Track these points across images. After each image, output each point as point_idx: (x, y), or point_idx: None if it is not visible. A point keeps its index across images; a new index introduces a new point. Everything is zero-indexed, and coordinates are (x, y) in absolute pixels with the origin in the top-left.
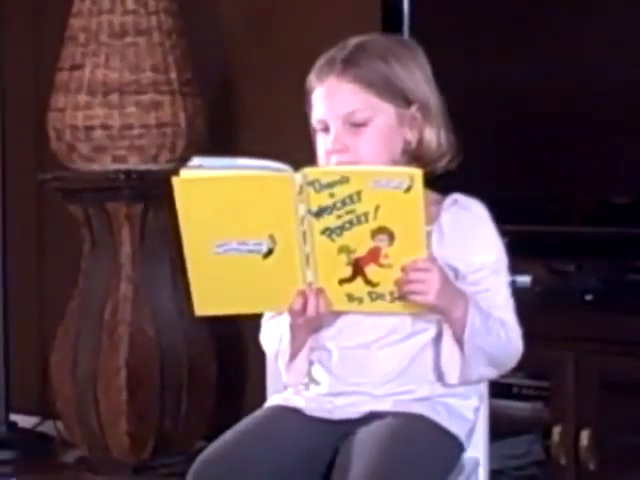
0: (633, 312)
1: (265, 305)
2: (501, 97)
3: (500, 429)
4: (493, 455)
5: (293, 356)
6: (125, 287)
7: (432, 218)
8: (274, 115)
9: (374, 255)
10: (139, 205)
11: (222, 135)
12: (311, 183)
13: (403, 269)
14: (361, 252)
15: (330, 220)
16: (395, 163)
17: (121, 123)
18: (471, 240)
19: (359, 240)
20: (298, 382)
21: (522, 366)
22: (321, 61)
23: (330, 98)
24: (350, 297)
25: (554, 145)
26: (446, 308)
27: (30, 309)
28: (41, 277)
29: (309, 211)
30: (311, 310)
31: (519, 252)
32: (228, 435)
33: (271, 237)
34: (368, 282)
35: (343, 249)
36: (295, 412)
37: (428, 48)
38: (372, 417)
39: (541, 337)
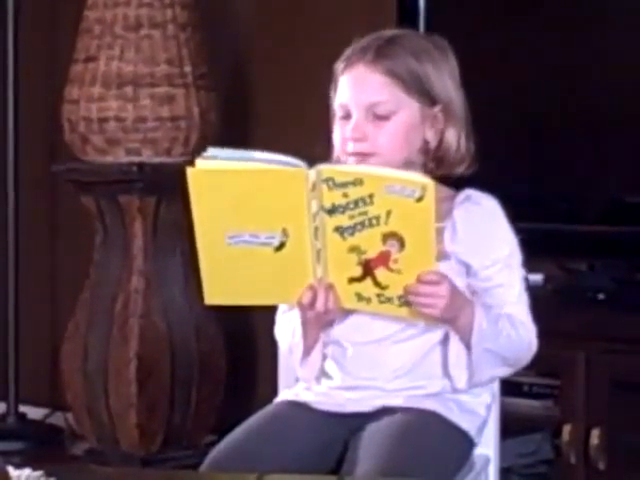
0: None
1: (275, 297)
2: (517, 95)
3: (510, 427)
4: (503, 453)
5: (306, 351)
6: (136, 280)
7: (445, 214)
8: (288, 109)
9: (384, 258)
10: (152, 198)
11: (235, 129)
12: (325, 180)
13: (417, 279)
14: (371, 254)
15: (342, 219)
16: (412, 161)
17: (135, 116)
18: (483, 236)
19: (370, 242)
20: (311, 377)
21: (533, 364)
22: (354, 47)
23: (357, 85)
24: (359, 296)
25: (568, 144)
26: (452, 319)
27: (41, 301)
28: (53, 269)
29: (322, 207)
30: (320, 305)
31: (532, 250)
32: (240, 430)
33: (284, 231)
34: (377, 284)
35: (354, 249)
36: (305, 407)
37: (444, 33)
38: (383, 412)
39: (552, 335)
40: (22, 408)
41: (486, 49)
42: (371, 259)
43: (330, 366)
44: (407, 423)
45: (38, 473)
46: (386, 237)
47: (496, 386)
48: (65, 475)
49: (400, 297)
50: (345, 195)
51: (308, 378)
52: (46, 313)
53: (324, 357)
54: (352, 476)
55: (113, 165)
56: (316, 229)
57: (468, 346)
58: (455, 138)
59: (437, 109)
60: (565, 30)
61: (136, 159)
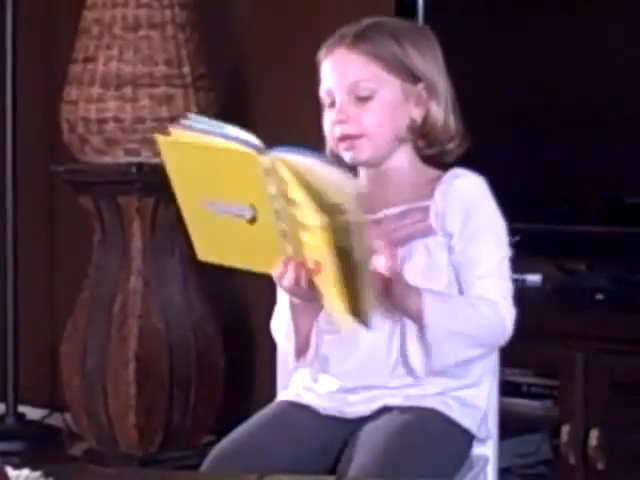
0: None
1: (256, 264)
2: (516, 93)
3: (509, 427)
4: (502, 453)
5: (299, 336)
6: (135, 280)
7: (431, 193)
8: (287, 109)
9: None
10: (150, 199)
11: None
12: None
13: None
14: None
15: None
16: (400, 139)
17: (134, 116)
18: (461, 208)
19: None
20: (305, 365)
21: (532, 364)
22: (333, 36)
23: (337, 68)
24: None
25: (567, 144)
26: (398, 307)
27: (40, 301)
28: (51, 269)
29: (281, 192)
30: (287, 280)
31: (530, 251)
32: (240, 430)
33: (252, 206)
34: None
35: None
36: (306, 408)
37: (442, 35)
38: (382, 411)
39: (551, 336)
40: (21, 408)
41: (485, 47)
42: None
43: (332, 366)
44: (405, 421)
45: (37, 473)
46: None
47: (495, 386)
48: (64, 475)
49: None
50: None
51: (302, 366)
52: (45, 314)
53: (318, 347)
54: (348, 475)
55: (112, 165)
56: (277, 211)
57: (422, 331)
58: (441, 115)
59: (420, 87)
60: (566, 28)
61: (135, 159)
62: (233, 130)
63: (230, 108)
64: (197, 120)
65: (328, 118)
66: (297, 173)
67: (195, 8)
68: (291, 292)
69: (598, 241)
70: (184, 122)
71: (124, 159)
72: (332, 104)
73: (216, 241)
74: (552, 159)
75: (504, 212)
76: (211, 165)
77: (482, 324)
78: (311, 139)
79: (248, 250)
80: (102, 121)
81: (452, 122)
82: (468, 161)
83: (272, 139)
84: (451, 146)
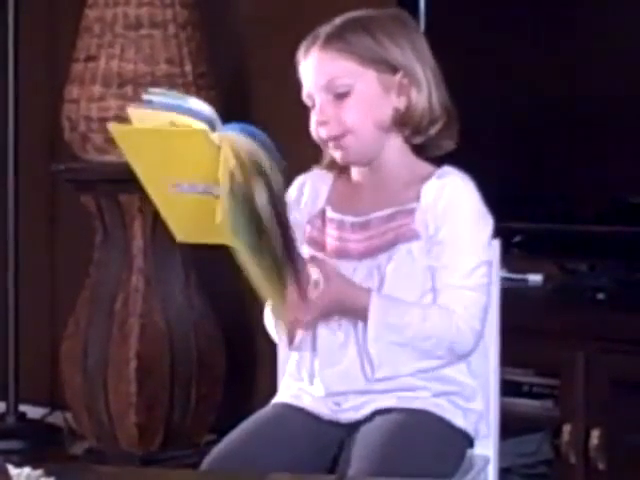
0: None
1: (229, 239)
2: (517, 94)
3: (510, 427)
4: (502, 453)
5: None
6: (136, 279)
7: (417, 195)
8: (288, 108)
9: None
10: None
11: None
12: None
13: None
14: None
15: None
16: (386, 131)
17: None
18: (440, 211)
19: None
20: (300, 347)
21: (533, 364)
22: (307, 37)
23: (312, 69)
24: None
25: (568, 144)
26: (340, 312)
27: (41, 299)
28: (53, 267)
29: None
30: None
31: (531, 250)
32: (238, 432)
33: (216, 183)
34: None
35: None
36: (302, 411)
37: (444, 32)
38: (377, 413)
39: (552, 335)
40: (22, 407)
41: (486, 47)
42: None
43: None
44: (400, 422)
45: (38, 472)
46: None
47: (495, 386)
48: (64, 474)
49: None
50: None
51: (297, 349)
52: (46, 312)
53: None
54: (347, 476)
55: (113, 164)
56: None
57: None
58: (425, 98)
59: (399, 76)
60: (566, 29)
61: None
62: (191, 102)
63: (231, 106)
64: (155, 96)
65: (312, 120)
66: (238, 154)
67: (197, 7)
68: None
69: (599, 241)
70: (144, 97)
71: (125, 158)
72: (314, 106)
73: (190, 221)
74: (554, 158)
75: (505, 212)
76: (167, 148)
77: (438, 336)
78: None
79: (219, 225)
80: (104, 120)
81: (437, 101)
82: (469, 160)
83: (273, 137)
84: (437, 127)
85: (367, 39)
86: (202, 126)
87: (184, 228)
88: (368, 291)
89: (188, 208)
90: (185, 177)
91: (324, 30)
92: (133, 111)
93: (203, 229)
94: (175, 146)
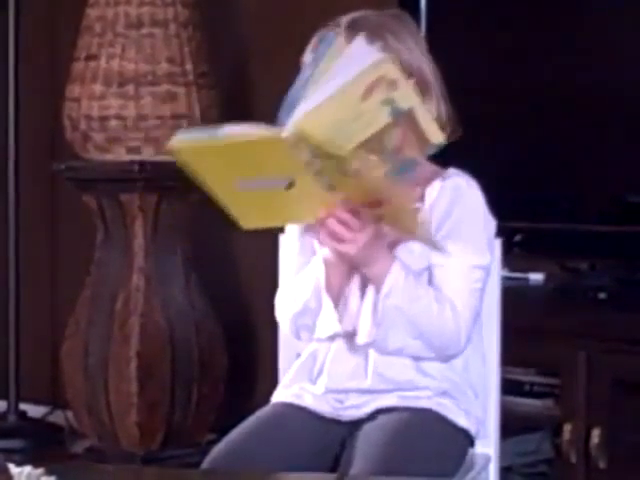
0: None
1: (302, 218)
2: (518, 93)
3: (511, 426)
4: (503, 452)
5: (336, 297)
6: (137, 278)
7: (421, 196)
8: None
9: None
10: (153, 197)
11: None
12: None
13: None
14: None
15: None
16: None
17: (136, 114)
18: (443, 211)
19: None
20: (350, 323)
21: (534, 363)
22: (316, 40)
23: None
24: (376, 217)
25: (569, 143)
26: (364, 265)
27: (42, 298)
28: (54, 266)
29: (314, 153)
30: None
31: (532, 250)
32: (238, 431)
33: (287, 178)
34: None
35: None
36: (303, 410)
37: (444, 32)
38: (378, 413)
39: (553, 334)
40: (22, 406)
41: (487, 46)
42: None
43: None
44: (402, 421)
45: (38, 471)
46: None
47: (496, 385)
48: (66, 473)
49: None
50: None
51: (347, 326)
52: (47, 311)
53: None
54: (349, 475)
55: (114, 163)
56: (318, 172)
57: (379, 295)
58: (434, 107)
59: (413, 81)
60: (566, 28)
61: (137, 157)
62: (230, 129)
63: (232, 106)
64: (190, 133)
65: None
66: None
67: (198, 6)
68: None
69: (601, 240)
70: (180, 137)
71: (126, 157)
72: None
73: (256, 210)
74: (555, 158)
75: (506, 211)
76: (237, 159)
77: (438, 325)
78: None
79: (290, 209)
80: (104, 119)
81: (444, 110)
82: (470, 160)
83: None
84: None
85: (380, 44)
86: (268, 132)
87: (249, 216)
88: (392, 255)
89: (255, 199)
90: (254, 176)
91: (341, 31)
92: (180, 141)
93: (269, 215)
94: (246, 156)
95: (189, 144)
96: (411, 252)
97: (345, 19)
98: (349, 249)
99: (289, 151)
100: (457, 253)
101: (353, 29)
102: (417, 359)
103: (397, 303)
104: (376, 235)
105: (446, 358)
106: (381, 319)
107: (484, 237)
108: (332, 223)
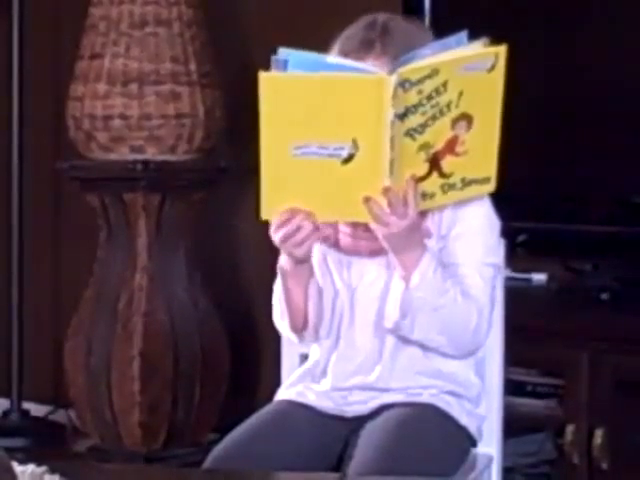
0: None
1: (336, 212)
2: (520, 93)
3: (513, 426)
4: (505, 452)
5: (292, 309)
6: (140, 277)
7: None
8: None
9: (451, 145)
10: (156, 196)
11: (240, 127)
12: (401, 84)
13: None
14: (439, 145)
15: (414, 120)
16: None
17: (140, 113)
18: (454, 212)
19: (439, 133)
20: (310, 338)
21: (536, 364)
22: (351, 40)
23: None
24: (424, 195)
25: (572, 144)
26: (399, 250)
27: (45, 297)
28: (57, 265)
29: (396, 114)
30: (286, 231)
31: (536, 250)
32: (241, 430)
33: (354, 141)
34: (442, 175)
35: (423, 146)
36: (306, 407)
37: (449, 32)
38: (382, 409)
39: (556, 335)
40: (25, 405)
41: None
42: (439, 150)
43: (328, 367)
44: (405, 416)
45: (42, 469)
46: (455, 121)
47: (499, 385)
48: (68, 472)
49: (463, 179)
50: (420, 92)
51: (292, 327)
52: (50, 310)
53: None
54: (349, 472)
55: (117, 162)
56: (392, 138)
57: (407, 285)
58: None
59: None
60: (568, 29)
61: (140, 157)
62: (336, 59)
63: (236, 105)
64: (291, 53)
65: None
66: (436, 62)
67: (202, 6)
68: (285, 244)
69: (603, 241)
70: (279, 57)
71: (130, 156)
72: None
73: (290, 194)
74: (558, 158)
75: (509, 211)
76: (322, 100)
77: (462, 319)
78: None
79: (332, 196)
80: (108, 118)
81: None
82: None
83: None
84: None
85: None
86: (368, 75)
87: (278, 202)
88: (426, 245)
89: (298, 177)
90: (319, 136)
91: (373, 37)
92: (271, 75)
93: (302, 198)
94: (333, 98)
95: (280, 75)
96: (431, 247)
97: (380, 22)
98: (389, 231)
99: (388, 98)
100: (472, 250)
101: (386, 42)
102: (427, 357)
103: (426, 295)
104: (415, 224)
105: (466, 354)
106: (407, 309)
107: (494, 236)
108: (377, 205)
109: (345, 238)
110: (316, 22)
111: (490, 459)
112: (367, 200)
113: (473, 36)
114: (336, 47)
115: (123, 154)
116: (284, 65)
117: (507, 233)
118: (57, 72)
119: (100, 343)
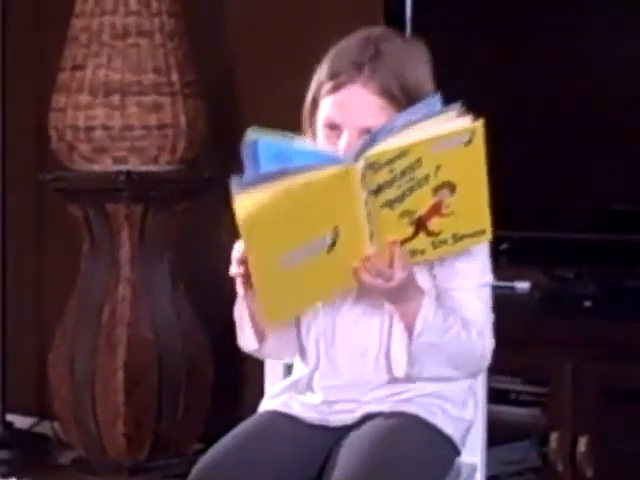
0: (631, 319)
1: (329, 294)
2: (504, 100)
3: (497, 435)
4: (489, 461)
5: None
6: (123, 288)
7: None
8: (276, 117)
9: (436, 209)
10: (139, 206)
11: (223, 137)
12: (370, 166)
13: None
14: (422, 210)
15: (390, 193)
16: None
17: (122, 124)
18: None
19: (420, 201)
20: (267, 351)
21: (520, 372)
22: (342, 59)
23: (352, 106)
24: (413, 252)
25: (553, 152)
26: (397, 302)
27: (28, 308)
28: (40, 276)
29: (369, 191)
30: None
31: (518, 258)
32: (225, 441)
33: (334, 229)
34: (430, 234)
35: (404, 214)
36: (290, 418)
37: (429, 41)
38: (367, 419)
39: (539, 343)
40: (9, 417)
41: (473, 50)
42: (423, 215)
43: (313, 379)
44: (389, 427)
45: None
46: (436, 190)
47: (482, 393)
48: None
49: (454, 235)
50: (391, 171)
51: (246, 346)
52: (33, 321)
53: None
54: None
55: (100, 173)
56: (368, 214)
57: (410, 335)
58: None
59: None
60: (555, 34)
61: (123, 167)
62: (301, 147)
63: (219, 115)
64: (263, 147)
65: (327, 139)
66: (405, 145)
67: (183, 16)
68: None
69: (586, 248)
70: (247, 141)
71: (112, 167)
72: (332, 127)
73: (288, 299)
74: (540, 166)
75: (492, 220)
76: (293, 210)
77: (467, 350)
78: None
79: (322, 284)
80: (90, 129)
81: None
82: None
83: None
84: None
85: (406, 77)
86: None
87: (278, 309)
88: (422, 290)
89: (291, 283)
90: (301, 239)
91: (362, 59)
92: (241, 195)
93: (297, 302)
94: (307, 199)
95: (253, 202)
96: (420, 271)
97: (372, 43)
98: (381, 291)
99: (357, 184)
100: (469, 274)
101: (376, 68)
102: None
103: (430, 340)
104: (406, 280)
105: (472, 375)
106: (415, 358)
107: (486, 256)
108: (374, 261)
109: None
110: (298, 33)
111: (474, 468)
112: (354, 272)
113: (455, 44)
114: (326, 65)
115: (105, 165)
116: (253, 150)
117: (490, 241)
118: (39, 83)
119: (84, 354)
